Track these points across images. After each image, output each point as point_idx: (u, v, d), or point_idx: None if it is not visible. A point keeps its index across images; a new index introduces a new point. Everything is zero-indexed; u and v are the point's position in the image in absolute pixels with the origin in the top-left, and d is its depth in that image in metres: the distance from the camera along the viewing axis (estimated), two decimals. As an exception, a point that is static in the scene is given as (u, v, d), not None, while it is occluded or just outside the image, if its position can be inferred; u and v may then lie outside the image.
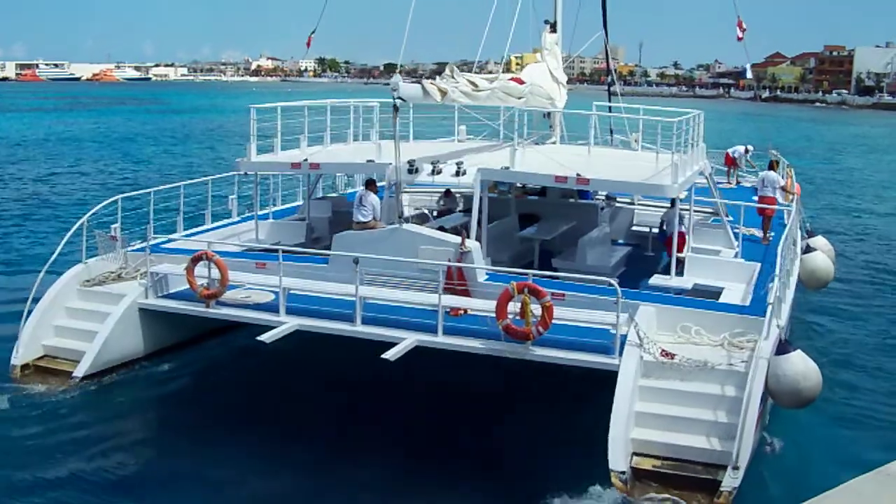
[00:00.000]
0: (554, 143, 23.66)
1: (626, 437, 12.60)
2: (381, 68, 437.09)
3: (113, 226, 18.57)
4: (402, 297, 15.57)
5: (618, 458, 12.27)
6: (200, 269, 16.06)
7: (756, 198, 22.13)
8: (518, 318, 13.70)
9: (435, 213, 23.77)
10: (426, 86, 16.76)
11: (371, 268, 15.46)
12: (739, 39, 25.39)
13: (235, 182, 23.44)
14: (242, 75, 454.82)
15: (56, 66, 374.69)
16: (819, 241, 17.44)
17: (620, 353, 13.39)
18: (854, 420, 15.91)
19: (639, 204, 24.60)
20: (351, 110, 22.75)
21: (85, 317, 16.87)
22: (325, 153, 20.75)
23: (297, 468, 13.31)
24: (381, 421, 15.24)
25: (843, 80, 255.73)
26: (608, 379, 13.07)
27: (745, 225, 19.90)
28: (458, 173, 17.98)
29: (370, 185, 18.83)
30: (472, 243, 16.44)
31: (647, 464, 12.58)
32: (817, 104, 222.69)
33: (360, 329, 15.04)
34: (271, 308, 15.83)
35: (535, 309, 13.57)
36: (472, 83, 17.93)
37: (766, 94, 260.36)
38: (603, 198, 24.07)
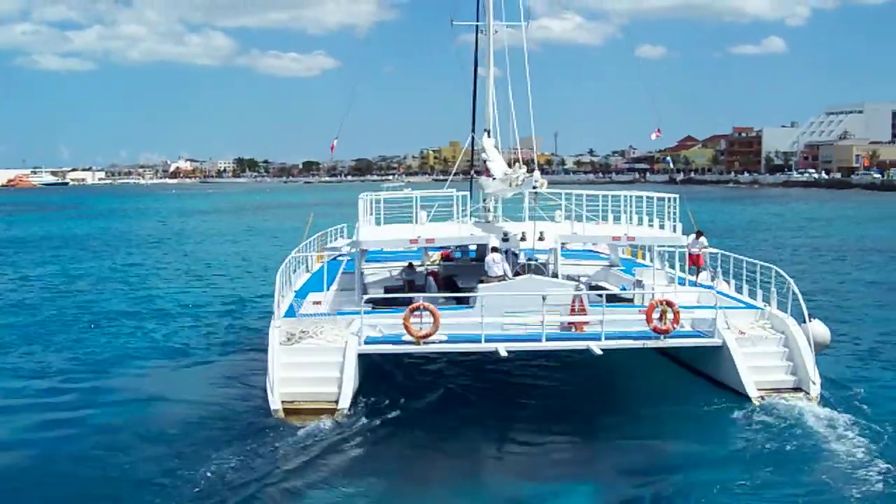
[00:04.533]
0: (489, 222, 28.93)
1: (756, 378, 20.84)
2: (300, 166, 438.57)
3: (319, 294, 25.07)
4: (588, 319, 21.78)
5: (752, 388, 20.66)
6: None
7: (689, 253, 28.77)
8: (659, 320, 21.08)
9: (403, 282, 27.92)
10: (543, 182, 23.68)
11: (515, 305, 21.46)
12: (654, 138, 32.82)
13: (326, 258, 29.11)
14: (161, 177, 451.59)
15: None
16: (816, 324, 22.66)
17: (714, 336, 21.49)
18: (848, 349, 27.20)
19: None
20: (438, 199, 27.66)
21: (313, 367, 20.38)
22: (432, 231, 25.45)
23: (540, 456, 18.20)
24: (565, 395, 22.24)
25: (752, 160, 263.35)
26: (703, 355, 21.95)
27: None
28: (540, 238, 24.97)
29: (495, 250, 24.32)
30: (581, 285, 23.94)
31: (763, 392, 20.68)
32: (731, 184, 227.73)
33: (548, 345, 21.17)
34: (469, 339, 20.88)
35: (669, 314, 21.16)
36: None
37: (680, 176, 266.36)
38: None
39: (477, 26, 30.68)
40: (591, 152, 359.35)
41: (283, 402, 19.61)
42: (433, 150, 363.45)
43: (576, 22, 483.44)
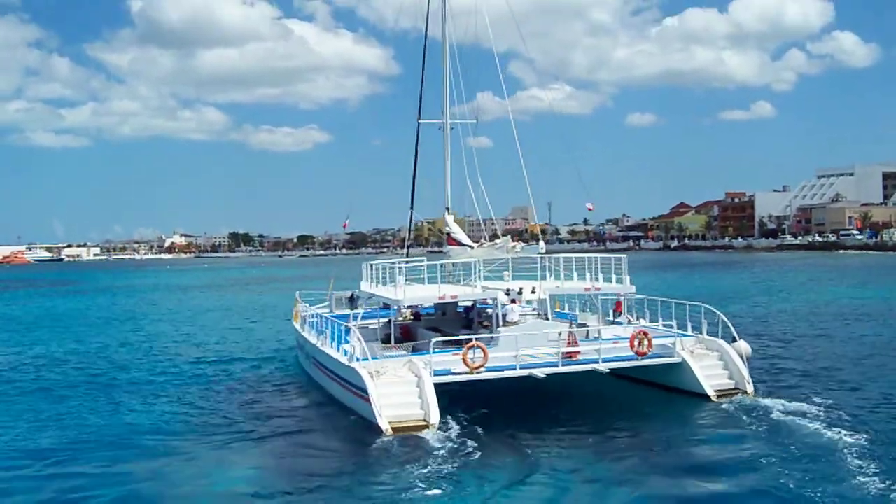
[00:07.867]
0: (452, 283, 33.86)
1: (711, 383, 27.45)
2: (295, 240, 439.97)
3: (391, 343, 30.75)
4: (597, 347, 27.92)
5: (710, 390, 27.20)
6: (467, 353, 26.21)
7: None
8: (639, 345, 27.70)
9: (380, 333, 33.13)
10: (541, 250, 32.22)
11: (527, 342, 27.27)
12: (590, 210, 38.58)
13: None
14: (156, 252, 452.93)
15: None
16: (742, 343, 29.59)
17: (675, 355, 28.23)
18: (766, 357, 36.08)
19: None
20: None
21: (401, 395, 25.21)
22: (453, 290, 31.10)
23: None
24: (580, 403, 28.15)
25: (746, 225, 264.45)
26: (671, 367, 28.39)
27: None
28: (533, 291, 30.60)
29: (514, 301, 30.16)
30: (574, 324, 30.85)
31: (716, 393, 27.21)
32: (724, 250, 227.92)
33: (563, 368, 26.89)
34: (509, 367, 26.52)
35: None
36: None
37: (674, 243, 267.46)
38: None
39: (420, 124, 37.57)
40: (585, 221, 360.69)
41: (389, 422, 24.27)
42: (428, 222, 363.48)
43: (565, 92, 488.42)
